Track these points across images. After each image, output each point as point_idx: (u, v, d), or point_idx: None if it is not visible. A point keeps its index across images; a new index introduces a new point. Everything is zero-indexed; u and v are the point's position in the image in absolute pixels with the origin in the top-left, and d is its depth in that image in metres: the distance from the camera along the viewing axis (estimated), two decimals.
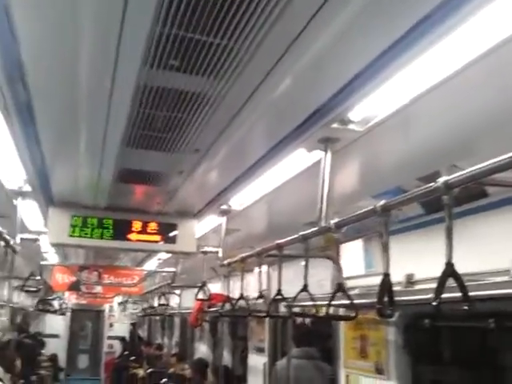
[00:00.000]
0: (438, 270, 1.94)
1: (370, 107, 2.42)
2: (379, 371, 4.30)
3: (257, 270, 5.33)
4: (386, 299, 2.28)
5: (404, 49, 1.93)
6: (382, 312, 2.29)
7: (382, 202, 2.27)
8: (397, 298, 2.32)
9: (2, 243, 3.46)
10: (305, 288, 3.17)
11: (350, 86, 2.20)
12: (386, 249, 2.33)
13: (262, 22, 1.77)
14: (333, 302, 2.99)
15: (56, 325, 17.93)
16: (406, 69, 2.05)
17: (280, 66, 2.03)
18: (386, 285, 2.25)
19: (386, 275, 2.26)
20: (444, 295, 1.87)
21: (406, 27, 1.82)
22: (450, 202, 1.93)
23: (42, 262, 5.91)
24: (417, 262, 3.81)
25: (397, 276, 2.32)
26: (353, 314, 2.94)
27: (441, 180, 1.93)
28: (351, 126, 2.58)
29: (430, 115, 2.49)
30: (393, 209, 2.28)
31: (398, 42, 1.91)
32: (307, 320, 5.66)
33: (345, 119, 2.53)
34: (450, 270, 1.87)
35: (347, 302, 2.99)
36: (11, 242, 3.62)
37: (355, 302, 2.94)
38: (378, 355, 4.34)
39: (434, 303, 1.87)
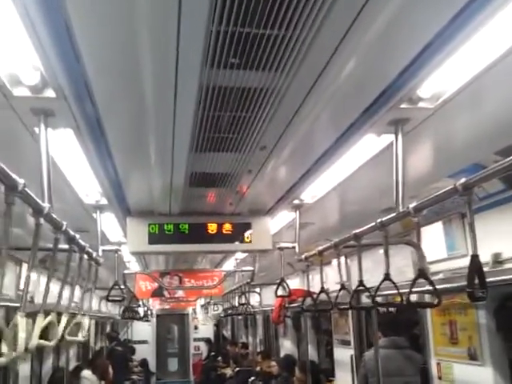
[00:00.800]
0: None
1: (440, 82, 2.33)
2: (472, 357, 4.15)
3: (335, 262, 5.27)
4: (476, 281, 2.17)
5: (470, 17, 1.85)
6: (474, 295, 2.17)
7: (463, 180, 2.16)
8: (488, 280, 2.20)
9: (86, 256, 3.57)
10: (387, 276, 3.08)
11: (417, 62, 2.12)
12: (472, 229, 2.21)
13: (318, 6, 1.72)
14: (416, 289, 2.89)
15: (143, 331, 18.54)
16: (474, 37, 1.97)
17: (342, 49, 1.97)
18: (476, 266, 2.13)
19: (475, 256, 2.14)
20: None
21: None
22: None
23: (125, 271, 6.09)
24: (502, 240, 3.65)
25: (482, 256, 2.19)
26: (436, 301, 2.83)
27: None
28: (421, 104, 2.50)
29: (504, 84, 2.37)
30: (474, 186, 2.16)
31: (463, 11, 1.83)
32: (392, 308, 5.54)
33: (414, 97, 2.45)
34: None
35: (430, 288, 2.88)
36: (94, 255, 3.73)
37: (439, 287, 2.83)
38: (470, 340, 4.19)
39: None
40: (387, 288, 3.23)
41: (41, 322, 2.40)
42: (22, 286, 5.44)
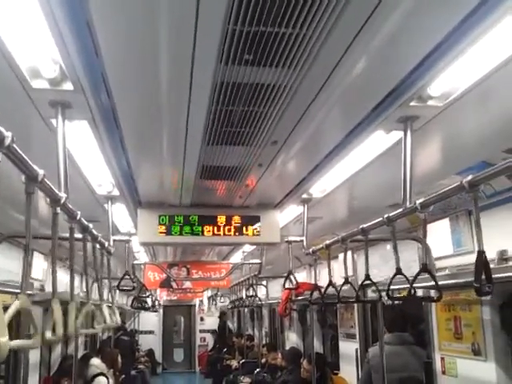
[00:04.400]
0: None
1: (449, 81, 2.36)
2: (476, 352, 4.19)
3: (341, 257, 5.31)
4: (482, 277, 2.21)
5: (481, 18, 1.88)
6: (481, 290, 2.22)
7: (470, 177, 2.20)
8: (494, 276, 2.24)
9: (98, 246, 3.63)
10: (398, 271, 3.12)
11: (427, 61, 2.15)
12: (477, 225, 2.25)
13: (333, 6, 1.77)
14: (420, 284, 2.92)
15: (149, 321, 18.67)
16: (484, 38, 2.00)
17: (354, 47, 2.01)
18: (482, 262, 2.18)
19: (481, 252, 2.18)
20: None
21: None
22: None
23: (135, 262, 6.15)
24: (508, 237, 3.68)
25: (488, 253, 2.23)
26: (437, 295, 2.88)
27: None
28: (431, 102, 2.53)
29: None
30: (481, 183, 2.20)
31: (474, 12, 1.86)
32: (397, 303, 5.57)
33: (423, 96, 2.48)
34: None
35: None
36: (106, 245, 3.79)
37: (446, 282, 2.88)
38: (474, 336, 4.23)
39: None
40: (394, 283, 3.27)
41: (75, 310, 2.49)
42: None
